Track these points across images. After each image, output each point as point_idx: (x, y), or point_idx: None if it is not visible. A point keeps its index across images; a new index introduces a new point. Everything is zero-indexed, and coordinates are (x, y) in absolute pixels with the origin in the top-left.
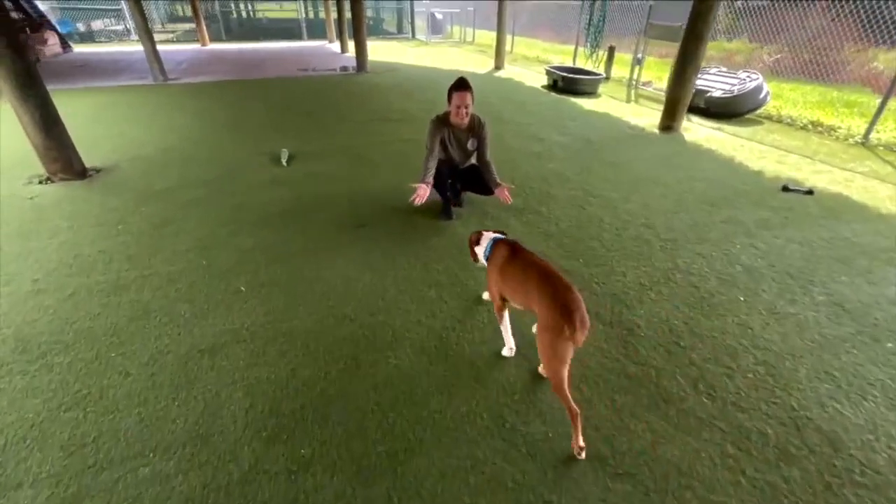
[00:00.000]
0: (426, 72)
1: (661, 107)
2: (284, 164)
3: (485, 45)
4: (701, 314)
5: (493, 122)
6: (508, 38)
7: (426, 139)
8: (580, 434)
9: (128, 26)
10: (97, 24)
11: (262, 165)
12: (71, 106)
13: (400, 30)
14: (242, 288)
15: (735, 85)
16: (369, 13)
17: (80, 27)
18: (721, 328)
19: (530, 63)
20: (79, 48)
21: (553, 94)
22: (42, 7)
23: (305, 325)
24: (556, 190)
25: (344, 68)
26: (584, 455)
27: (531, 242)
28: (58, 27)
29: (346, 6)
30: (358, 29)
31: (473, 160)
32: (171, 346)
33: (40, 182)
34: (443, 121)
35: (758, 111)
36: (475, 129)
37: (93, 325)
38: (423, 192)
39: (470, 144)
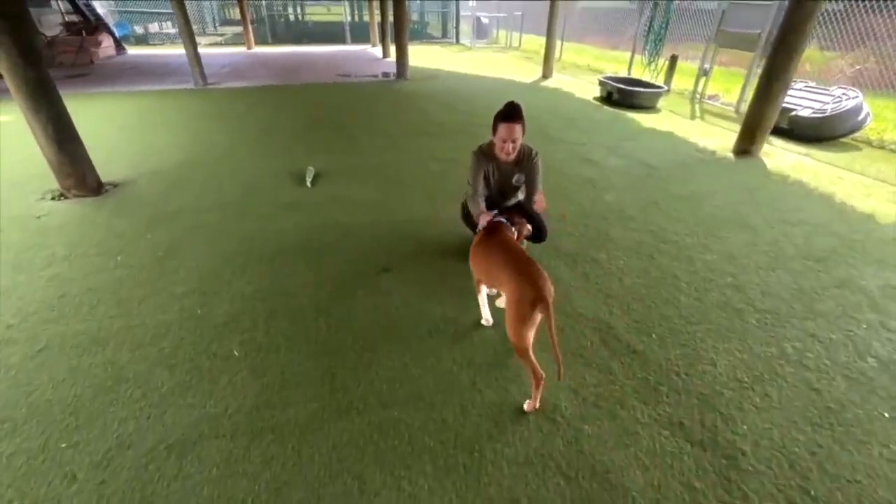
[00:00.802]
0: (468, 80)
1: (732, 125)
2: (309, 184)
3: (531, 52)
4: (831, 439)
5: (539, 140)
6: (557, 43)
7: (469, 176)
8: (538, 399)
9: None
10: (153, 27)
11: (284, 184)
12: (108, 110)
13: (444, 34)
14: (235, 352)
15: (828, 103)
16: (414, 16)
17: (137, 29)
18: (867, 467)
19: (580, 71)
20: (133, 50)
21: (607, 107)
22: (100, 9)
23: (300, 416)
24: (616, 230)
25: (385, 74)
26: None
27: (588, 303)
28: (115, 29)
29: (390, 8)
30: (400, 32)
31: (520, 196)
32: (135, 436)
33: (53, 198)
34: (486, 153)
35: (853, 135)
36: (522, 161)
37: (53, 397)
38: (486, 218)
39: (516, 180)
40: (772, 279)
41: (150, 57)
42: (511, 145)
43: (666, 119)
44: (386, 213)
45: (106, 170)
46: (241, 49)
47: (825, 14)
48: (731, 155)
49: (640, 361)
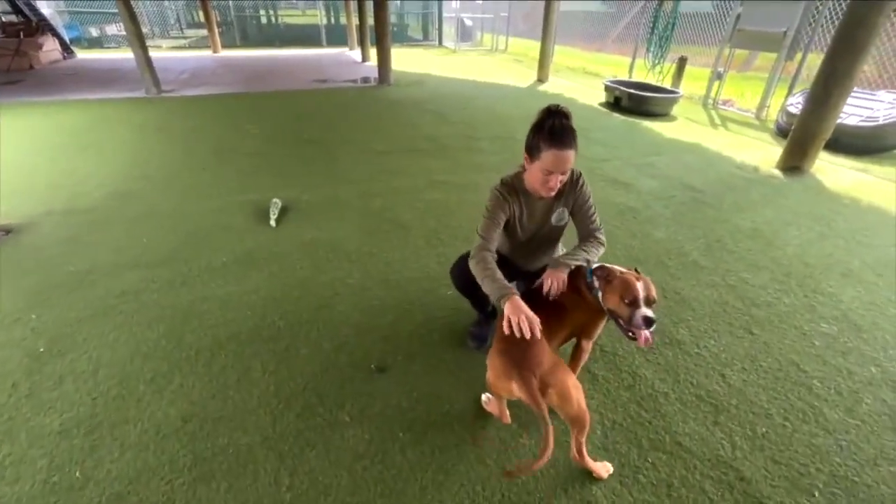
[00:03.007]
0: (459, 85)
1: (760, 134)
2: (273, 222)
3: (519, 55)
4: None
5: None
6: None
7: (482, 223)
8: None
9: (143, 31)
10: (111, 29)
11: (241, 225)
12: (32, 124)
13: (426, 36)
14: None
15: (878, 110)
16: (393, 18)
17: (92, 31)
18: None
19: (575, 75)
20: (84, 54)
21: (616, 114)
22: (45, 9)
23: None
24: (686, 286)
25: (365, 79)
26: None
27: (692, 427)
28: (62, 31)
29: (369, 9)
30: (381, 35)
31: (560, 249)
32: None
33: None
34: (514, 188)
35: None
36: (567, 191)
37: None
38: (519, 318)
39: (556, 217)
40: None
41: (100, 61)
42: (559, 180)
43: (686, 128)
44: (378, 267)
45: (9, 203)
46: (207, 53)
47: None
48: (778, 172)
49: None
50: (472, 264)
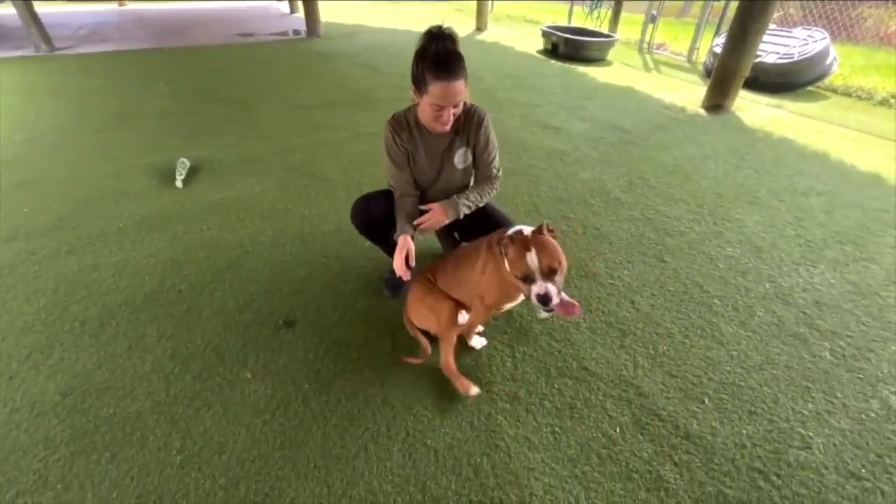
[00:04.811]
0: (393, 35)
1: (690, 76)
2: (179, 183)
3: (461, 4)
4: None
5: (486, 104)
6: None
7: (383, 163)
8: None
9: None
10: None
11: (142, 189)
12: None
13: None
14: None
15: (795, 47)
16: None
17: None
18: None
19: (516, 23)
20: None
21: (553, 61)
22: None
23: None
24: (606, 222)
25: (296, 32)
26: None
27: (600, 352)
28: None
29: None
30: None
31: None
32: None
33: None
34: (406, 123)
35: (820, 82)
36: (468, 129)
37: None
38: (401, 255)
39: (459, 158)
40: (818, 280)
41: None
42: (450, 114)
43: (620, 72)
44: (293, 222)
45: None
46: (112, 6)
47: None
48: (702, 111)
49: (701, 456)
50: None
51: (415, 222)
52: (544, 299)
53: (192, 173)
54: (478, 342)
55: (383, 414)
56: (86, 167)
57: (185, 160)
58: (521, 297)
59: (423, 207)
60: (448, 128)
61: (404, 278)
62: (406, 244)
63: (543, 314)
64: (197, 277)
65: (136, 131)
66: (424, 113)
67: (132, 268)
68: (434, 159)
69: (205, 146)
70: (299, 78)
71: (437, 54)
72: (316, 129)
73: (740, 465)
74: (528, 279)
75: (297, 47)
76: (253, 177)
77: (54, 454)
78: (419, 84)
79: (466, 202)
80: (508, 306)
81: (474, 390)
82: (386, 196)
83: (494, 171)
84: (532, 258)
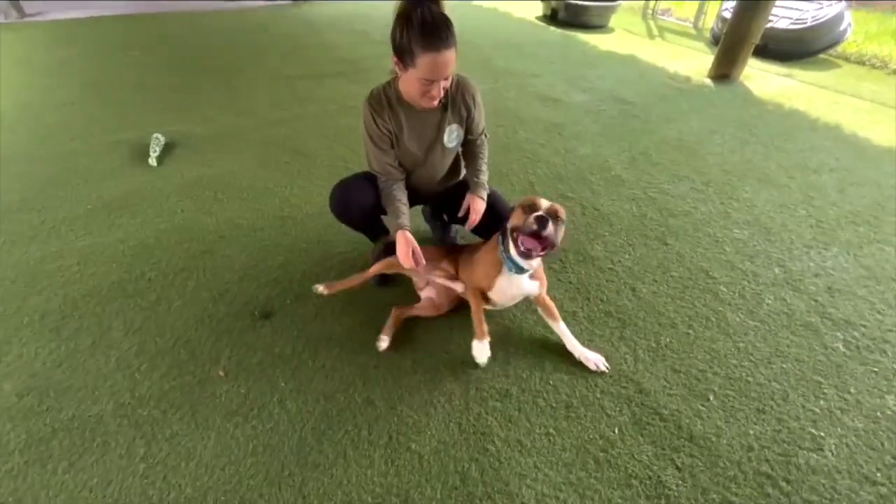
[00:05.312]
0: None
1: (695, 43)
2: (153, 161)
3: None
4: None
5: (482, 73)
6: None
7: (365, 144)
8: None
9: None
10: None
11: (113, 167)
12: None
13: None
14: None
15: (808, 12)
16: None
17: None
18: None
19: None
20: None
21: (553, 28)
22: None
23: None
24: (606, 201)
25: None
26: None
27: (598, 344)
28: None
29: None
30: None
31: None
32: None
33: None
34: (386, 100)
35: (832, 50)
36: (458, 104)
37: None
38: (406, 251)
39: (449, 136)
40: (830, 264)
41: None
42: (441, 88)
43: (623, 39)
44: (273, 203)
45: None
46: None
47: None
48: (709, 81)
49: (705, 459)
50: (383, 195)
51: (468, 225)
52: (542, 221)
53: (168, 150)
54: (480, 353)
55: (365, 415)
56: (53, 144)
57: (159, 136)
58: (501, 285)
59: (461, 211)
60: (436, 104)
61: (415, 268)
62: (407, 241)
63: (525, 264)
64: (168, 265)
65: (108, 105)
66: (410, 88)
67: (99, 254)
68: (421, 139)
69: (182, 120)
70: (285, 46)
71: (424, 20)
72: (301, 101)
73: (747, 470)
74: (533, 208)
75: (285, 13)
76: (232, 153)
77: (7, 463)
78: (404, 56)
79: (485, 178)
80: (495, 297)
81: (484, 353)
82: (366, 180)
83: (484, 135)
84: (540, 201)
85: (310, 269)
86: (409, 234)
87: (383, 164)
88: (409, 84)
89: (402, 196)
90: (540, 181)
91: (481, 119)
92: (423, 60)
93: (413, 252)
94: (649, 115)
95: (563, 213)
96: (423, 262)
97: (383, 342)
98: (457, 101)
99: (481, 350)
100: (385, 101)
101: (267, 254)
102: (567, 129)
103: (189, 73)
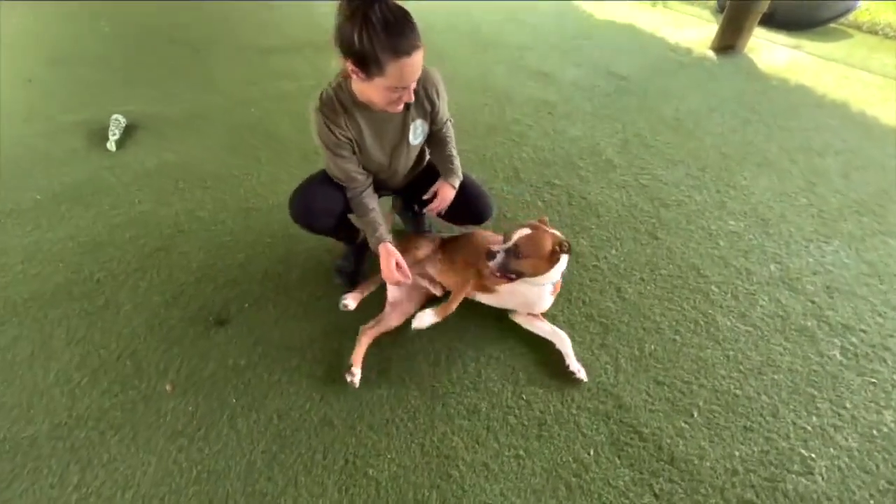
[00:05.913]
0: None
1: (700, 10)
2: (111, 145)
3: None
4: None
5: (469, 45)
6: None
7: (323, 153)
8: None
9: None
10: None
11: (67, 152)
12: None
13: None
14: None
15: None
16: None
17: None
18: None
19: None
20: None
21: None
22: None
23: None
24: (595, 189)
25: None
26: None
27: (578, 352)
28: None
29: None
30: None
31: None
32: None
33: None
34: (340, 105)
35: (844, 18)
36: (422, 98)
37: None
38: (390, 266)
39: (414, 132)
40: (830, 259)
41: None
42: (407, 93)
43: (622, 6)
44: (238, 193)
45: None
46: None
47: None
48: (711, 54)
49: (685, 485)
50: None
51: (428, 209)
52: (490, 255)
53: (128, 133)
54: (422, 321)
55: (321, 436)
56: (4, 125)
57: (119, 117)
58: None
59: (425, 196)
60: (398, 108)
61: (403, 282)
62: (389, 253)
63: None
64: (120, 264)
65: (68, 81)
66: (374, 96)
67: (45, 252)
68: (384, 142)
69: (145, 99)
70: (263, 15)
71: (387, 20)
72: (275, 77)
73: (730, 497)
74: (506, 238)
75: None
76: (197, 136)
77: None
78: (368, 64)
79: (458, 163)
80: (505, 297)
81: (426, 322)
82: (330, 183)
83: (449, 122)
84: (521, 232)
85: (272, 267)
86: (390, 247)
87: (346, 172)
88: (373, 92)
89: (374, 204)
90: (525, 167)
91: (445, 109)
92: (393, 68)
93: (397, 265)
94: (646, 91)
95: (544, 246)
96: (410, 277)
97: (356, 377)
98: (420, 96)
99: (426, 319)
100: (339, 106)
101: (227, 250)
102: (558, 109)
103: (156, 45)
